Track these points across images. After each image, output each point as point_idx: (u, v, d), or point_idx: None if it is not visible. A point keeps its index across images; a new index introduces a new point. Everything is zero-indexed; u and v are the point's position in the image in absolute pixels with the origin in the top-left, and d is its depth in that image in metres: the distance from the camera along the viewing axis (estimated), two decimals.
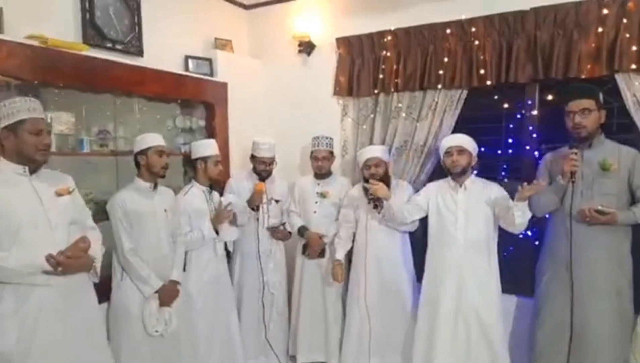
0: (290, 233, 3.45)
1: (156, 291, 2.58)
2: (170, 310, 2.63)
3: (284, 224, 3.42)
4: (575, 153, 2.50)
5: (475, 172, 2.94)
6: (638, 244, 2.67)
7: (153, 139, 2.68)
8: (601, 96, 2.59)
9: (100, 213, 2.65)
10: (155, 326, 2.56)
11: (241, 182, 3.38)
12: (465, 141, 2.87)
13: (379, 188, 2.92)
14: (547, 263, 2.77)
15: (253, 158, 3.35)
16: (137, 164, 2.69)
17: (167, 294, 2.63)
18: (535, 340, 2.79)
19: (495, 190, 2.84)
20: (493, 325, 2.78)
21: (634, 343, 2.58)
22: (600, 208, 2.48)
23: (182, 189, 3.05)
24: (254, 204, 3.20)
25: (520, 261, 3.26)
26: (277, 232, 3.38)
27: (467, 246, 2.81)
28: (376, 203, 3.05)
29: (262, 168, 3.30)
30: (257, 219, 3.28)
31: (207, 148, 3.07)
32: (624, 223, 2.55)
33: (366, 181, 3.11)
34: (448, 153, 2.87)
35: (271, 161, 3.32)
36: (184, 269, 2.90)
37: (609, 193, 2.55)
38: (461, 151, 2.83)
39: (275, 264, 3.41)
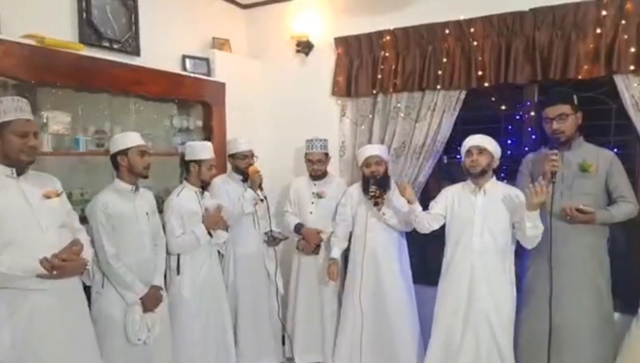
0: (285, 238, 3.43)
1: (140, 298, 2.50)
2: (154, 316, 2.54)
3: (280, 233, 3.39)
4: (556, 154, 2.58)
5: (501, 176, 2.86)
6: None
7: (134, 139, 2.58)
8: (576, 99, 2.65)
9: None
10: (138, 334, 2.46)
11: (225, 184, 3.32)
12: (486, 141, 2.78)
13: (407, 189, 2.88)
14: (529, 261, 2.82)
15: (232, 157, 3.33)
16: (116, 165, 2.58)
17: (151, 300, 2.53)
18: (518, 336, 2.80)
19: (515, 197, 2.74)
20: (503, 331, 2.72)
21: (625, 345, 2.58)
22: (581, 206, 2.57)
23: (174, 190, 3.00)
24: (257, 184, 3.17)
25: None
26: (275, 242, 3.35)
27: (482, 251, 2.73)
28: (377, 200, 3.04)
29: (245, 164, 3.25)
30: (254, 222, 3.27)
31: (202, 151, 2.99)
32: (602, 222, 2.63)
33: (367, 179, 3.10)
34: (469, 152, 2.79)
35: (252, 154, 3.31)
36: (178, 272, 2.86)
37: (587, 193, 2.64)
38: (482, 151, 2.75)
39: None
